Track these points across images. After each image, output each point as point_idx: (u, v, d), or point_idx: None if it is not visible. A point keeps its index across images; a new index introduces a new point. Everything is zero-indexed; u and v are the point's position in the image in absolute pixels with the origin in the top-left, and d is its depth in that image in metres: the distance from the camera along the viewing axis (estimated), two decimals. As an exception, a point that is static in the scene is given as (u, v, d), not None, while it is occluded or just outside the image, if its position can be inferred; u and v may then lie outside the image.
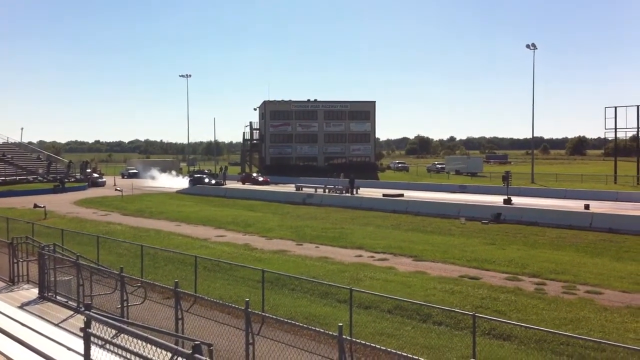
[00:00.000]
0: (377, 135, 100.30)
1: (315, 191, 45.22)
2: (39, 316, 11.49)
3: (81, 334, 5.91)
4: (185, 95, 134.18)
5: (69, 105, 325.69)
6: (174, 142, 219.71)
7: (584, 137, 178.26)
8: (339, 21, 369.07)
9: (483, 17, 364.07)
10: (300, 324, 9.87)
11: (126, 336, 5.47)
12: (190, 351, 4.55)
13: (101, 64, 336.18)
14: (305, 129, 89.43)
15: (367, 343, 8.07)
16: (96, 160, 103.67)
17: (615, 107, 62.11)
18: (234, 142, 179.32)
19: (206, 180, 57.72)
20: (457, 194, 46.46)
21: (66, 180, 57.36)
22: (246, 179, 63.57)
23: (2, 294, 13.65)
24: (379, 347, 7.83)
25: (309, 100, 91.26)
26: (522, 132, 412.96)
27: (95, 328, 5.83)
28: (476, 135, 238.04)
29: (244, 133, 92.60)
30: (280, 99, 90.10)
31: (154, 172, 71.91)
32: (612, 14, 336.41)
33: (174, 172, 72.28)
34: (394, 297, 12.35)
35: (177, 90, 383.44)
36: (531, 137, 70.59)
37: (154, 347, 5.01)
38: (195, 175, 61.09)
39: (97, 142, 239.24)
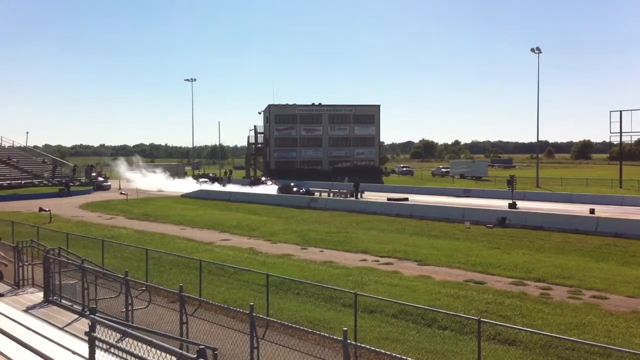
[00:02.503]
0: (381, 139, 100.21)
1: (320, 195, 45.17)
2: (44, 320, 11.51)
3: (86, 338, 5.92)
4: (190, 99, 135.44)
5: (74, 109, 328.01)
6: (178, 145, 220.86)
7: (589, 141, 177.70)
8: (343, 25, 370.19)
9: (487, 21, 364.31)
10: (305, 328, 9.86)
11: (131, 340, 5.47)
12: (195, 355, 4.55)
13: (106, 68, 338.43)
14: (310, 132, 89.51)
15: (371, 347, 8.03)
16: (101, 164, 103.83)
17: (621, 111, 61.98)
18: (239, 145, 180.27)
19: (294, 189, 48.96)
20: (462, 198, 46.42)
21: (71, 184, 57.63)
22: (255, 182, 63.92)
23: (7, 297, 13.68)
24: (383, 351, 7.81)
25: (313, 104, 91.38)
26: (526, 136, 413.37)
27: (100, 332, 5.85)
28: (481, 139, 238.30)
29: (248, 137, 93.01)
30: (284, 103, 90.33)
31: (126, 172, 69.63)
32: (617, 17, 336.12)
33: (144, 171, 69.07)
34: (399, 301, 12.31)
35: (182, 94, 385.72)
36: (536, 141, 70.90)
37: (158, 351, 5.01)
38: (286, 185, 52.40)
39: (102, 145, 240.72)
